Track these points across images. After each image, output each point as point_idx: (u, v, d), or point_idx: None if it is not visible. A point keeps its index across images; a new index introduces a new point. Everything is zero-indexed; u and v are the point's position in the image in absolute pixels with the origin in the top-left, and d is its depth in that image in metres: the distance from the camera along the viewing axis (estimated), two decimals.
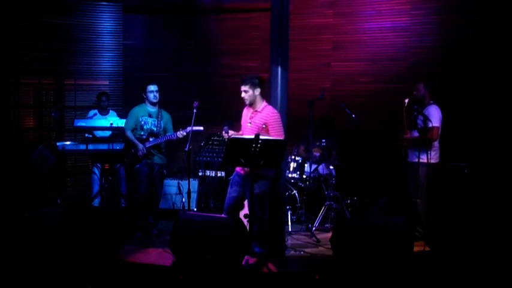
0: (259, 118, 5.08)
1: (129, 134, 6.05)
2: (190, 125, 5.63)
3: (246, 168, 5.02)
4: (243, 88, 5.09)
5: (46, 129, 8.02)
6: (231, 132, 5.13)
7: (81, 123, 7.15)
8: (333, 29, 7.73)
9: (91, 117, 7.37)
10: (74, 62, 7.99)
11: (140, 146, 5.93)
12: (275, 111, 5.10)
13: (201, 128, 5.80)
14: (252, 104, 5.12)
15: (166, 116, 6.18)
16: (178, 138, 5.88)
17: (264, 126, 5.02)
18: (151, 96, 6.01)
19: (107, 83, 8.18)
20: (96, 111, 7.46)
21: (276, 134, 4.99)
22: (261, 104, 5.12)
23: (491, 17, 6.66)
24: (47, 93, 8.18)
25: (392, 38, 7.34)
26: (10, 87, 7.46)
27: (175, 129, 5.96)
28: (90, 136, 7.24)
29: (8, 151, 7.26)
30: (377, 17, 7.41)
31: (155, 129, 6.05)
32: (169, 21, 8.46)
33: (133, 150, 6.00)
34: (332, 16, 7.72)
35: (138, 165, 5.98)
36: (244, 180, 5.10)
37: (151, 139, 5.99)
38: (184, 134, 5.81)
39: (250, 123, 5.13)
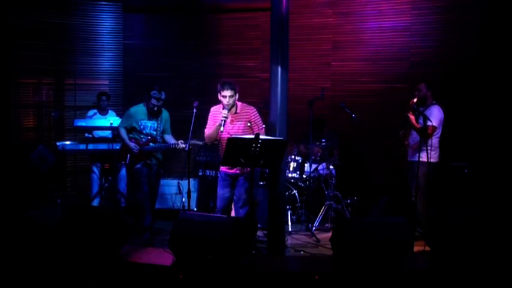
0: (241, 118, 5.26)
1: (122, 132, 6.00)
2: (188, 136, 5.55)
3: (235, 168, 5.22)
4: (228, 93, 5.11)
5: (46, 129, 8.01)
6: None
7: (81, 123, 7.15)
8: (333, 28, 7.70)
9: (91, 117, 7.37)
10: (73, 62, 7.99)
11: (132, 145, 5.91)
12: (252, 106, 5.37)
13: (201, 143, 5.75)
14: (231, 108, 5.21)
15: (165, 115, 6.12)
16: (176, 148, 5.88)
17: (249, 124, 5.26)
18: (154, 102, 5.92)
19: (107, 82, 8.18)
20: (95, 110, 7.45)
21: (258, 128, 5.26)
22: (237, 105, 5.30)
23: (492, 17, 6.65)
24: (47, 93, 8.18)
25: (393, 38, 7.32)
26: (10, 87, 7.45)
27: (176, 136, 6.01)
28: (90, 136, 7.24)
29: (7, 151, 7.25)
30: (377, 16, 7.39)
31: (154, 133, 6.01)
32: (169, 21, 8.43)
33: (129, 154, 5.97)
34: (332, 16, 7.70)
35: (138, 166, 5.96)
36: (234, 179, 5.30)
37: (150, 144, 5.97)
38: (183, 146, 5.72)
39: (233, 123, 5.24)
